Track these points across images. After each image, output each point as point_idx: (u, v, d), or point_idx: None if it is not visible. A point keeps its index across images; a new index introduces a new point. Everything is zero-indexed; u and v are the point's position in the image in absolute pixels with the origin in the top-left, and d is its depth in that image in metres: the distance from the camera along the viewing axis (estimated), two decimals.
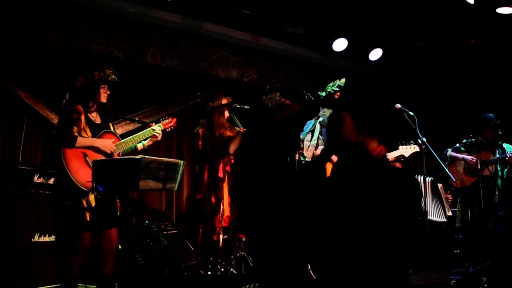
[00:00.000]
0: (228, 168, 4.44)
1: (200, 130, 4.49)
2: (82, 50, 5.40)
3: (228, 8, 5.81)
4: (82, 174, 3.48)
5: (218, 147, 4.37)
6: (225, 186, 4.35)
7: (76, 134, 3.55)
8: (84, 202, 3.46)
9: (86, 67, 3.76)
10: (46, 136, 5.18)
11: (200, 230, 4.36)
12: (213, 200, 4.26)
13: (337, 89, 4.28)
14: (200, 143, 4.45)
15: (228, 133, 4.52)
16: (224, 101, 4.52)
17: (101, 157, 3.62)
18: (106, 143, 3.67)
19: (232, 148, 4.38)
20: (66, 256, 3.61)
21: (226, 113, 4.55)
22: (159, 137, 3.99)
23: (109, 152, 3.66)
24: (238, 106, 4.44)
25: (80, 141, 3.54)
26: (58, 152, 3.48)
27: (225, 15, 5.95)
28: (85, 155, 3.57)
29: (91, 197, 3.48)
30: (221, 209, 4.27)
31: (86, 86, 3.68)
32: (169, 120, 4.21)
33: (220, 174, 4.33)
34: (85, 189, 3.46)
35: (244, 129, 4.39)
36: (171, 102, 6.26)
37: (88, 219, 3.47)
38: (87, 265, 3.70)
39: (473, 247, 5.45)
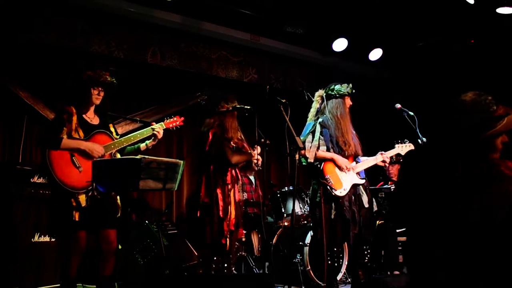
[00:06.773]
0: (234, 174, 4.37)
1: (211, 131, 4.31)
2: (82, 50, 5.40)
3: (228, 8, 5.80)
4: (67, 175, 3.43)
5: (221, 154, 4.25)
6: (232, 190, 4.29)
7: (65, 135, 3.48)
8: (73, 201, 3.42)
9: (80, 67, 3.69)
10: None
11: (207, 234, 4.25)
12: (221, 204, 4.21)
13: (349, 91, 4.25)
14: (208, 144, 4.29)
15: (244, 146, 4.41)
16: (236, 105, 4.42)
17: (88, 160, 3.51)
18: (94, 147, 3.55)
19: (235, 160, 4.28)
20: (64, 256, 3.59)
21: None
22: (160, 136, 3.90)
23: (96, 156, 3.54)
24: (238, 106, 4.39)
25: (65, 143, 3.45)
26: (43, 153, 3.43)
27: (225, 15, 5.95)
28: (72, 155, 3.49)
29: (81, 197, 3.45)
30: (229, 213, 4.23)
31: (75, 86, 3.62)
32: (174, 119, 4.07)
33: (228, 180, 4.27)
34: (71, 190, 3.41)
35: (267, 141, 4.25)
36: (171, 102, 6.27)
37: (77, 219, 3.41)
38: (87, 265, 3.69)
39: None
